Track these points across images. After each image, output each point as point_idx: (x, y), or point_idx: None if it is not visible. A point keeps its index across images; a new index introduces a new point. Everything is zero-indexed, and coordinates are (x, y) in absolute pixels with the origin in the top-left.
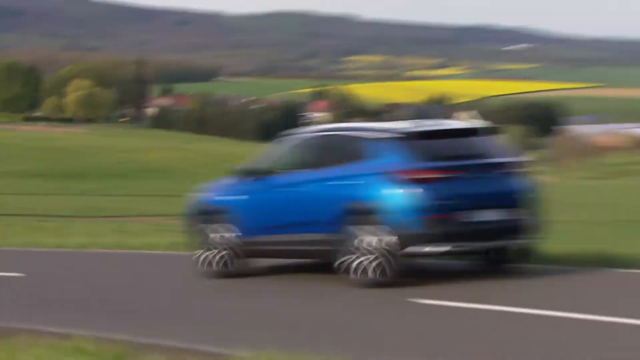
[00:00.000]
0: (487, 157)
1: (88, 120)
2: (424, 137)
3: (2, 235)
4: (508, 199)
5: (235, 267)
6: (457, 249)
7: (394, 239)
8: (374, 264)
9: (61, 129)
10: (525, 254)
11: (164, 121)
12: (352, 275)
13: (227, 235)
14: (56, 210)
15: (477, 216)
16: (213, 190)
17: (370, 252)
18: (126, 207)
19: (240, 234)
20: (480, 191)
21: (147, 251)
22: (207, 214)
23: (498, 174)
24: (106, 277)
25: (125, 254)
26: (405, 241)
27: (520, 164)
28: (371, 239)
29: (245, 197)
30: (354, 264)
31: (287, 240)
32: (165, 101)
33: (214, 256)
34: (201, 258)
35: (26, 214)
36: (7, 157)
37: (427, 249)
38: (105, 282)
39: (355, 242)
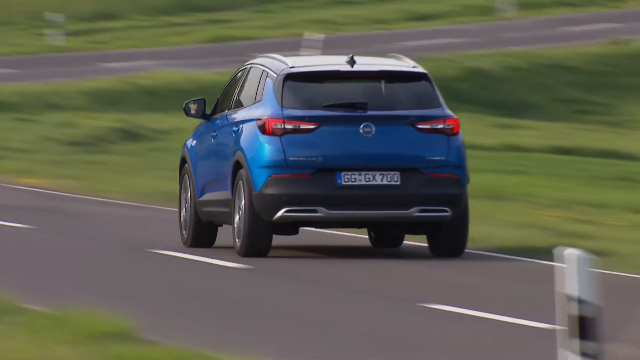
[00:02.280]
0: (387, 109)
1: None
2: (307, 79)
3: None
4: (411, 161)
5: (195, 236)
6: (328, 215)
7: (252, 200)
8: (240, 231)
9: None
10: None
11: None
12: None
13: (187, 194)
14: None
15: (361, 178)
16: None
17: (240, 217)
18: None
19: (196, 191)
20: (368, 150)
21: None
22: (183, 163)
23: (403, 129)
24: None
25: None
26: (261, 203)
27: (437, 119)
28: (241, 201)
29: (194, 142)
30: (235, 230)
31: (209, 200)
32: None
33: (184, 218)
34: (181, 219)
35: None
36: None
37: (287, 213)
38: None
39: (236, 203)
